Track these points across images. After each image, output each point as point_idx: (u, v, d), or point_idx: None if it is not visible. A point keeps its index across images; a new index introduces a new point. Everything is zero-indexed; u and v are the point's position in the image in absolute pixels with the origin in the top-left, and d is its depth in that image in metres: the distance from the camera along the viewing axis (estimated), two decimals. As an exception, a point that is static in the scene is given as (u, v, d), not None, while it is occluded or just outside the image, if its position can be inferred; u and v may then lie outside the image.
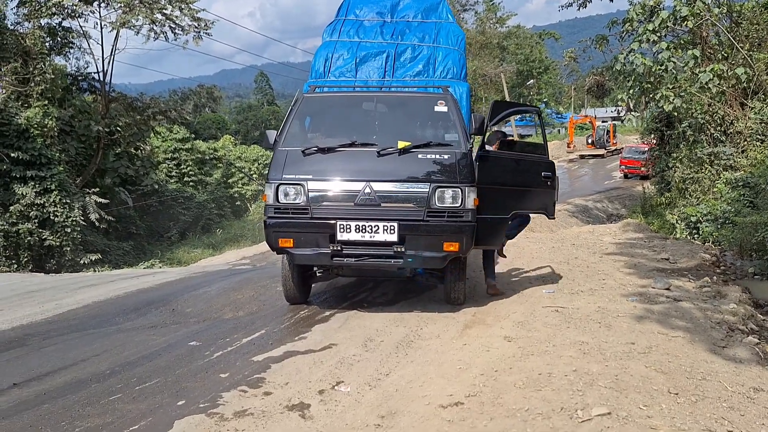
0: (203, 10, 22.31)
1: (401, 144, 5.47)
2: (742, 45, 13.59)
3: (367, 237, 5.35)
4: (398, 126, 6.05)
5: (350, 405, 3.73)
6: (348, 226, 5.34)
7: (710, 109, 13.74)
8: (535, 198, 6.43)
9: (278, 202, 5.45)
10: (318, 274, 6.45)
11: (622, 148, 41.05)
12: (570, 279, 7.29)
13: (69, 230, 17.26)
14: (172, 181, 31.68)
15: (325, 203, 5.40)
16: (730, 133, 13.79)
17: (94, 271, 16.53)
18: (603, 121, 53.47)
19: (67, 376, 4.28)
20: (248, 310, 6.42)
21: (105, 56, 22.33)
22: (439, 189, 5.38)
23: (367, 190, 5.36)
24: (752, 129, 13.19)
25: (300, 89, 6.42)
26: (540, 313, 5.74)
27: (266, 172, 6.13)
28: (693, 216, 11.92)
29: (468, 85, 7.32)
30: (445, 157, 5.50)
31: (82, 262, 17.72)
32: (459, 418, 3.51)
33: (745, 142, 13.40)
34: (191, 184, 33.31)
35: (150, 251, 24.23)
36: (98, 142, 21.84)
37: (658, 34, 13.65)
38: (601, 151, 40.86)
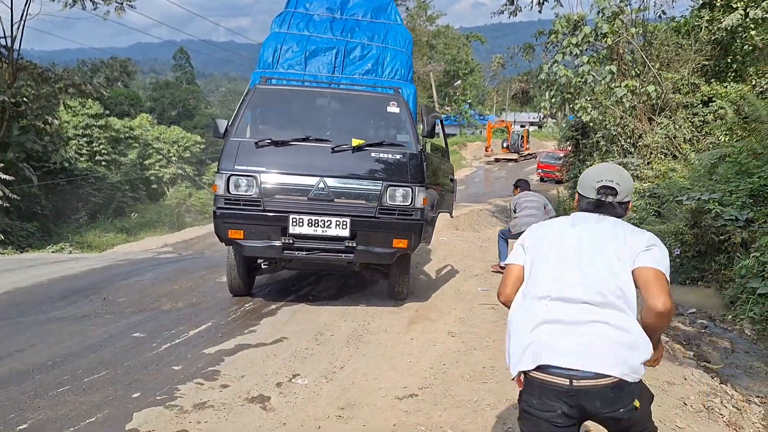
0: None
1: (355, 142, 5.56)
2: (653, 64, 14.65)
3: (319, 231, 5.40)
4: (351, 123, 6.13)
5: (309, 397, 3.80)
6: (300, 220, 5.37)
7: (622, 122, 14.66)
8: (446, 199, 7.10)
9: (229, 193, 5.39)
10: (263, 267, 6.41)
11: (535, 154, 43.00)
12: (501, 278, 7.65)
13: (-31, 208, 15.97)
14: (83, 159, 29.92)
15: (277, 196, 5.40)
16: (639, 145, 14.80)
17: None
18: (521, 126, 55.69)
19: (4, 367, 4.06)
20: (188, 302, 6.29)
21: (14, 21, 20.75)
22: (391, 187, 5.52)
23: (321, 185, 5.41)
24: (658, 143, 14.24)
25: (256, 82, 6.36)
26: (478, 310, 6.03)
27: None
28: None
29: (414, 87, 7.49)
30: (397, 156, 5.65)
31: (-21, 241, 16.45)
32: (415, 409, 3.67)
33: (651, 155, 14.44)
34: (104, 163, 31.60)
35: (57, 233, 22.83)
36: (2, 113, 20.27)
37: (580, 48, 14.54)
38: (515, 156, 42.41)
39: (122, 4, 21.01)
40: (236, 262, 6.00)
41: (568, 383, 2.02)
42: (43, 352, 4.41)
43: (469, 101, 62.58)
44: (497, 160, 42.52)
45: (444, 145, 7.57)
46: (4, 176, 18.30)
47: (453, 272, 8.09)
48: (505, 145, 43.61)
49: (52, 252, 16.04)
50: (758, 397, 4.22)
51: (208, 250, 14.34)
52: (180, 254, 12.40)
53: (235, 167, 5.41)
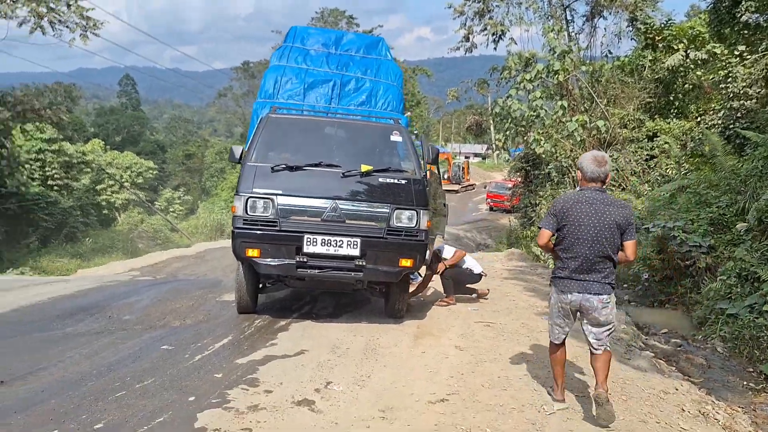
0: (93, 8, 21.18)
1: (364, 167, 5.99)
2: (600, 100, 15.71)
3: (331, 250, 5.76)
4: (357, 150, 6.55)
5: (349, 401, 4.12)
6: (315, 240, 5.72)
7: (572, 154, 15.45)
8: (440, 222, 7.70)
9: (247, 213, 5.70)
10: (268, 285, 6.68)
11: (474, 185, 44.14)
12: (484, 299, 8.12)
13: None
14: (35, 183, 29.07)
15: (293, 217, 5.74)
16: (590, 177, 15.62)
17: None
18: (466, 157, 57.06)
19: (52, 376, 4.21)
20: (195, 319, 6.48)
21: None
22: (398, 210, 5.95)
23: (334, 207, 5.78)
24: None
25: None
26: (476, 327, 6.47)
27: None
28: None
29: (406, 118, 8.02)
30: (403, 182, 6.10)
31: (-67, 266, 15.82)
32: (449, 412, 4.05)
33: (603, 187, 15.30)
34: (56, 188, 30.77)
35: (7, 258, 22.05)
36: (-42, 135, 19.71)
37: (533, 84, 15.48)
38: (456, 187, 43.04)
39: (87, 32, 20.88)
40: (246, 280, 6.25)
41: None
42: (82, 362, 4.56)
43: (416, 132, 64.04)
44: None
45: (438, 173, 8.08)
46: (-43, 199, 17.70)
47: (437, 294, 8.53)
48: (446, 176, 44.56)
49: (15, 275, 15.59)
50: (740, 407, 4.77)
51: (179, 273, 14.32)
52: (154, 277, 12.35)
53: (254, 190, 5.74)
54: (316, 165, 5.99)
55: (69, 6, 20.16)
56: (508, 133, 16.49)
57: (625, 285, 10.25)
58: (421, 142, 6.87)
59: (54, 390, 3.91)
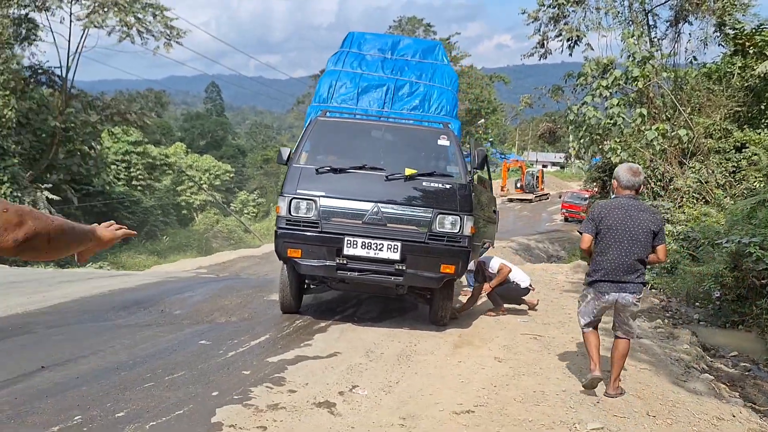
0: (177, 18, 22.37)
1: (408, 171, 5.92)
2: (684, 108, 14.85)
3: (371, 254, 5.72)
4: (403, 154, 6.50)
5: (371, 406, 4.05)
6: (355, 242, 5.70)
7: (652, 165, 14.75)
8: (489, 229, 7.41)
9: (290, 214, 5.76)
10: (312, 287, 6.73)
11: (548, 194, 42.84)
12: (537, 311, 7.84)
13: (16, 224, 16.61)
14: (120, 183, 30.93)
15: (334, 219, 5.75)
16: (669, 188, 14.84)
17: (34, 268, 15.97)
18: (543, 166, 55.58)
19: (90, 364, 4.40)
20: (241, 316, 6.62)
21: (70, 53, 21.91)
22: (441, 215, 5.84)
23: (375, 210, 5.75)
24: (690, 187, 14.29)
25: (305, 111, 6.82)
26: (521, 339, 6.23)
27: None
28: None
29: (459, 123, 7.89)
30: (447, 186, 5.98)
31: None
32: (473, 424, 3.90)
33: (682, 199, 14.48)
34: (139, 188, 32.60)
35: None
36: (53, 137, 21.25)
37: (610, 90, 14.84)
38: (530, 196, 42.04)
39: (170, 40, 22.04)
40: (290, 280, 6.32)
41: None
42: (121, 352, 4.75)
43: (491, 140, 63.19)
44: (510, 200, 42.40)
45: (488, 178, 7.89)
46: (53, 196, 19.06)
47: (487, 303, 8.31)
48: (519, 185, 43.56)
49: (96, 269, 16.58)
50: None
51: (243, 273, 14.79)
52: (218, 275, 12.79)
53: (297, 191, 5.80)
54: (360, 168, 5.98)
55: (155, 16, 21.35)
56: (582, 141, 15.95)
57: (696, 303, 9.62)
58: (470, 147, 6.73)
59: (88, 377, 4.08)
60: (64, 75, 21.85)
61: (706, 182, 13.84)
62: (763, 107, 14.73)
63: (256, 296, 7.65)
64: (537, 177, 43.94)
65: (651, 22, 18.59)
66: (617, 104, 14.52)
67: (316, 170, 5.90)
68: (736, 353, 7.24)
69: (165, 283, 8.83)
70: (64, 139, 22.01)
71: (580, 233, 4.53)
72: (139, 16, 20.88)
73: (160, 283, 8.71)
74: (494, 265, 7.30)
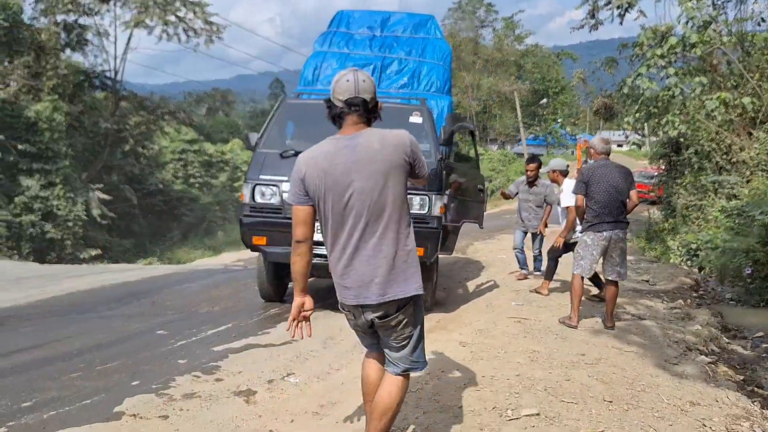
0: (216, 14, 22.87)
1: None
2: (752, 75, 13.54)
3: None
4: None
5: (295, 394, 3.93)
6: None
7: (717, 137, 13.60)
8: (472, 209, 7.07)
9: (254, 201, 5.70)
10: None
11: None
12: (544, 294, 7.43)
13: (71, 224, 17.63)
14: (178, 181, 32.12)
15: None
16: (735, 162, 13.61)
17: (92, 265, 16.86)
18: (619, 145, 53.00)
19: (37, 354, 4.53)
20: (224, 306, 6.65)
21: (117, 55, 22.90)
22: (408, 195, 5.59)
23: None
24: (757, 159, 13.04)
25: (283, 96, 6.70)
26: (502, 323, 5.91)
27: None
28: (693, 243, 11.79)
29: (450, 99, 7.56)
30: None
31: (82, 256, 18.09)
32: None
33: (750, 173, 13.21)
34: (197, 185, 33.74)
35: (150, 250, 24.57)
36: (106, 139, 22.30)
37: (667, 60, 13.76)
38: None
39: (211, 36, 22.56)
40: (265, 268, 6.27)
41: None
42: (75, 342, 4.86)
43: (559, 120, 60.90)
44: None
45: (475, 156, 7.55)
46: (105, 196, 20.03)
47: (493, 287, 7.97)
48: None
49: (143, 265, 17.29)
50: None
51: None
52: (246, 267, 12.97)
53: (260, 177, 5.72)
54: None
55: (194, 12, 21.91)
56: (638, 115, 14.98)
57: (729, 281, 8.87)
58: (444, 123, 6.41)
59: (22, 368, 4.19)
60: (114, 77, 22.88)
61: (775, 154, 12.54)
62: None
63: (250, 286, 7.65)
64: None
65: (713, -18, 17.18)
66: (675, 74, 13.46)
67: (280, 155, 5.79)
68: (761, 334, 6.60)
69: (172, 275, 9.04)
70: (118, 140, 23.07)
71: (575, 194, 5.62)
72: (179, 14, 21.52)
73: (166, 276, 8.92)
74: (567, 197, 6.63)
